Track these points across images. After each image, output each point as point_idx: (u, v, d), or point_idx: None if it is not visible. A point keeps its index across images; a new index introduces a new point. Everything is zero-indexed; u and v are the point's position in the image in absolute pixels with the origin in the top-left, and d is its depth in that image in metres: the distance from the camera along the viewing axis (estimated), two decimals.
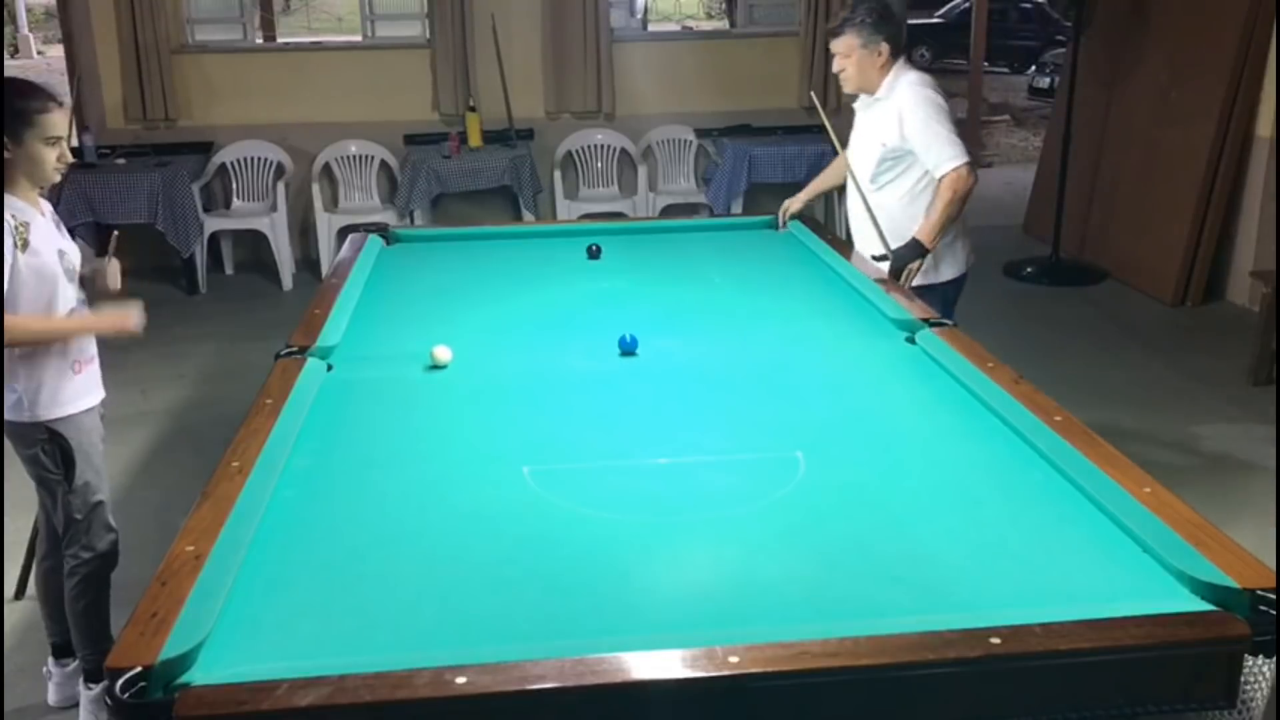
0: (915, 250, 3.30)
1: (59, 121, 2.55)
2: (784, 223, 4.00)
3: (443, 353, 2.75)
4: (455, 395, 2.63)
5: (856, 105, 3.60)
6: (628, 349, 2.81)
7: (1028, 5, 16.83)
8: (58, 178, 2.60)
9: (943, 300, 3.45)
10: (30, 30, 19.24)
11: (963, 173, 3.29)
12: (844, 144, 3.72)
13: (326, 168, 6.73)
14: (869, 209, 3.46)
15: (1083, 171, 6.73)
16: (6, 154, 2.48)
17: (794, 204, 3.99)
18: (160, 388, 4.95)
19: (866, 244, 3.58)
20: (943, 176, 3.31)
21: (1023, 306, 6.14)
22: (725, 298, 3.40)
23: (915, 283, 3.37)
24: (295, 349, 2.76)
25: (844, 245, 3.80)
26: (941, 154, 3.31)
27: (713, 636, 1.55)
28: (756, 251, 3.88)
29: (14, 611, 3.28)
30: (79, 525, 2.69)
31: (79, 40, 6.57)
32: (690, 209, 6.88)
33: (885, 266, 3.38)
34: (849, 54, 3.35)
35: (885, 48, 3.35)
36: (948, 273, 3.52)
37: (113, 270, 2.81)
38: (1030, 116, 13.05)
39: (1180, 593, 1.68)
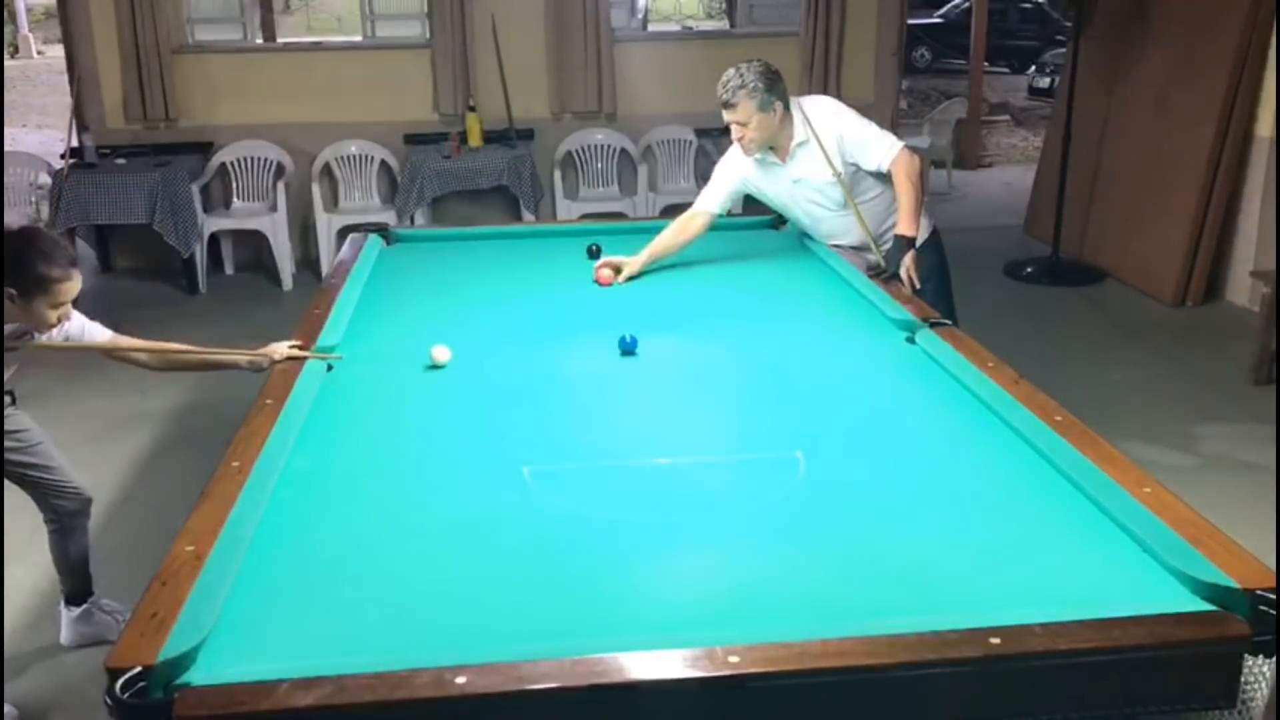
0: (904, 245, 3.35)
1: (74, 288, 2.59)
2: (607, 279, 3.47)
3: (441, 353, 2.75)
4: (455, 395, 2.63)
5: (759, 164, 3.55)
6: (628, 349, 2.81)
7: (1028, 5, 16.83)
8: (52, 330, 2.65)
9: (936, 254, 3.58)
10: (30, 30, 19.23)
11: (905, 154, 3.40)
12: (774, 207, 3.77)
13: (326, 168, 6.73)
14: (862, 222, 3.48)
15: (1083, 171, 6.73)
16: (8, 302, 2.53)
17: (631, 266, 3.49)
18: (160, 388, 4.94)
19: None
20: (890, 166, 3.40)
21: (1023, 306, 6.14)
22: (725, 298, 3.40)
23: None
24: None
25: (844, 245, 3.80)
26: (879, 149, 3.41)
27: (713, 636, 1.55)
28: (756, 251, 3.88)
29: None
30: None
31: (79, 40, 6.57)
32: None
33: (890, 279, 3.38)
34: (747, 120, 3.36)
35: (779, 105, 3.38)
36: (920, 239, 3.51)
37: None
38: (1030, 116, 13.04)
39: (1180, 593, 1.68)
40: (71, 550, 3.09)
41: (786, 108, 3.42)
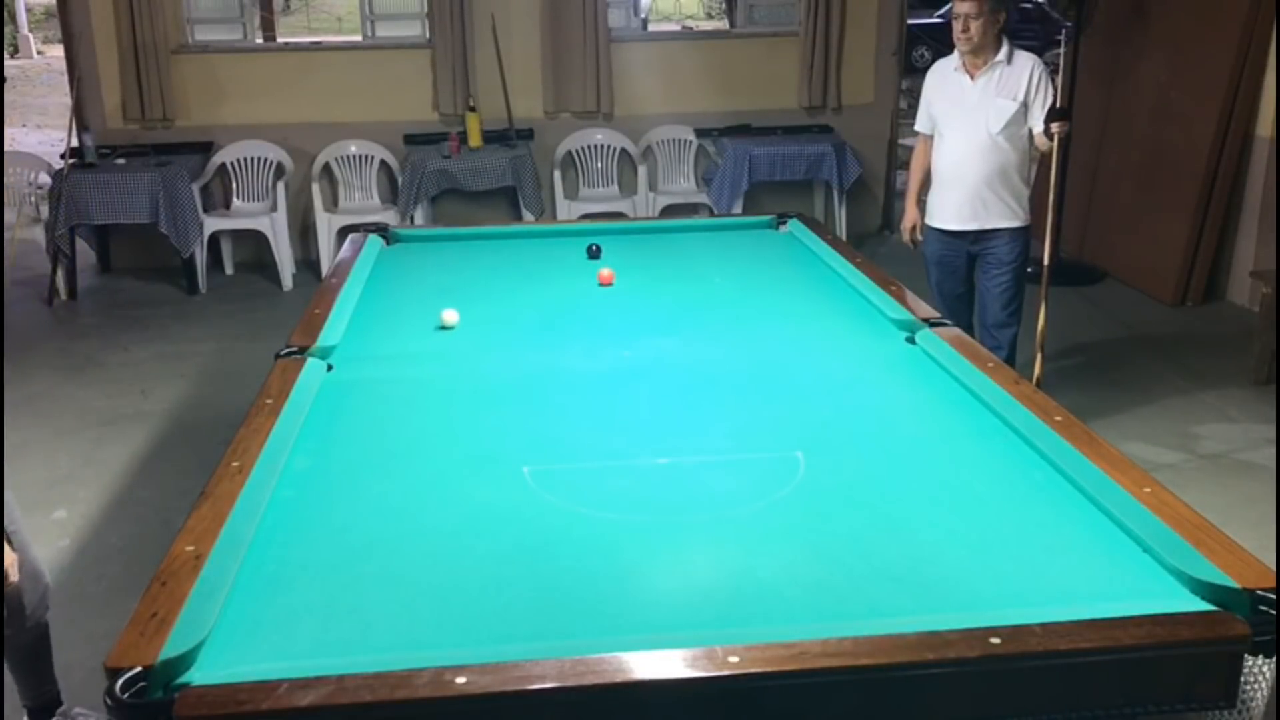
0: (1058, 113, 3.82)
1: None
2: (914, 240, 4.30)
3: (450, 315, 2.98)
4: (455, 395, 2.63)
5: (946, 74, 4.01)
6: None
7: (1028, 5, 16.82)
8: None
9: (1023, 245, 4.18)
10: (30, 30, 19.21)
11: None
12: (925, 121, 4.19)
13: (326, 168, 6.73)
14: (994, 165, 3.90)
15: (1083, 171, 6.73)
16: None
17: (917, 219, 4.25)
18: (160, 388, 4.95)
19: (957, 209, 4.02)
20: (1040, 132, 3.89)
21: (1023, 306, 6.12)
22: (725, 298, 3.40)
23: (1014, 224, 4.07)
24: (295, 349, 2.77)
25: (844, 245, 3.81)
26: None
27: (713, 636, 1.55)
28: (756, 251, 3.88)
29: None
30: None
31: (79, 40, 6.57)
32: (690, 209, 6.87)
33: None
34: (979, 15, 3.76)
35: (1002, 18, 3.84)
36: (1015, 225, 4.11)
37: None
38: None
39: (1180, 593, 1.68)
40: (21, 647, 2.46)
41: (1004, 29, 3.86)
